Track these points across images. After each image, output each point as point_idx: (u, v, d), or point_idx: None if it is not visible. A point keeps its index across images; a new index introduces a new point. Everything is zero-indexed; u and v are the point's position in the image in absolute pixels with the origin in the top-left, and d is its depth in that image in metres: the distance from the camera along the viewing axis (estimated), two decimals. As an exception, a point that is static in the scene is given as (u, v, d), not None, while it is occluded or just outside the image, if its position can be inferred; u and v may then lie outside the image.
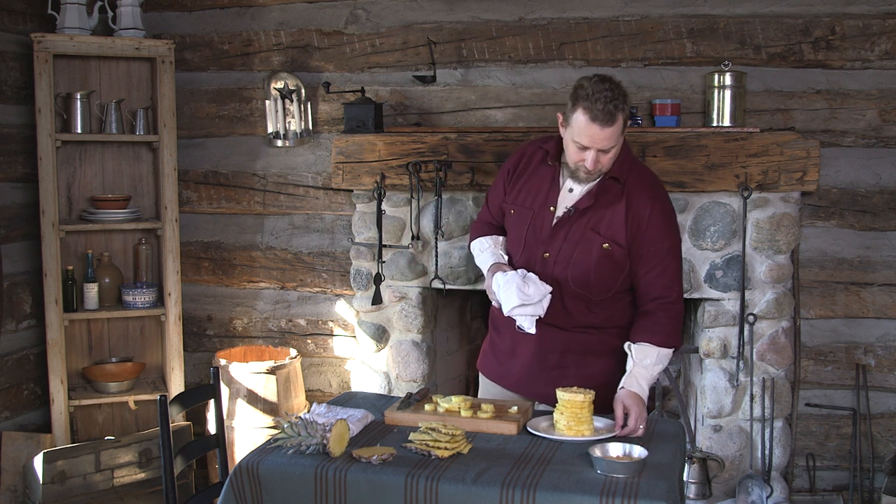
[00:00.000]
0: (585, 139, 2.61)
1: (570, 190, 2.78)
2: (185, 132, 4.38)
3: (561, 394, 2.51)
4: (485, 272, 2.92)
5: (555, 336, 2.82)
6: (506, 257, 2.93)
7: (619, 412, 2.57)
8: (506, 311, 2.71)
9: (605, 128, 2.57)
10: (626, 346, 2.76)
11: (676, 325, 2.77)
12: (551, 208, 2.78)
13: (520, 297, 2.66)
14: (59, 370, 3.93)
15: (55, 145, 3.87)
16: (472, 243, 3.07)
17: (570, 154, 2.69)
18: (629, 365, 2.72)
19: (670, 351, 2.75)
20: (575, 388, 2.54)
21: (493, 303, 2.84)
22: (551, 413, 2.60)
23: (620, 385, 2.68)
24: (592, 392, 2.52)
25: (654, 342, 2.71)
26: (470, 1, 4.07)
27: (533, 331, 2.72)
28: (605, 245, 2.72)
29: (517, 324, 2.73)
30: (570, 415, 2.48)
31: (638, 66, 3.97)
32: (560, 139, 2.77)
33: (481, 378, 3.10)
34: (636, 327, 2.77)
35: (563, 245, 2.76)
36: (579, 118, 2.59)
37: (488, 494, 2.14)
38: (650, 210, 2.72)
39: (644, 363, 2.70)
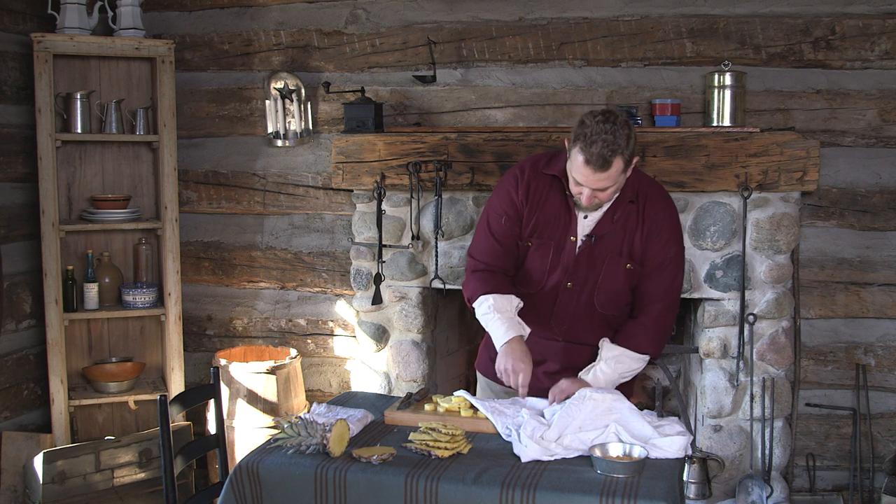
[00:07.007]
0: (580, 178, 2.58)
1: (585, 217, 2.73)
2: (185, 132, 4.38)
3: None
4: (499, 340, 2.70)
5: (581, 352, 2.83)
6: (524, 326, 2.77)
7: (553, 391, 2.63)
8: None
9: (598, 172, 2.53)
10: (601, 341, 2.78)
11: (657, 330, 2.76)
12: (571, 238, 2.73)
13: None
14: (59, 370, 3.93)
15: (55, 145, 3.87)
16: (480, 298, 2.78)
17: (571, 184, 2.66)
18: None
19: (640, 356, 2.75)
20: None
21: (510, 381, 2.68)
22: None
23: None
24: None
25: (628, 346, 2.73)
26: (470, 1, 4.07)
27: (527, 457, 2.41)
28: (629, 266, 2.71)
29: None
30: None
31: (638, 66, 3.97)
32: (565, 161, 2.69)
33: (480, 378, 3.09)
34: (620, 331, 2.79)
35: (587, 273, 2.74)
36: (576, 157, 2.56)
37: (488, 494, 2.14)
38: (661, 224, 2.73)
39: (607, 356, 2.73)
